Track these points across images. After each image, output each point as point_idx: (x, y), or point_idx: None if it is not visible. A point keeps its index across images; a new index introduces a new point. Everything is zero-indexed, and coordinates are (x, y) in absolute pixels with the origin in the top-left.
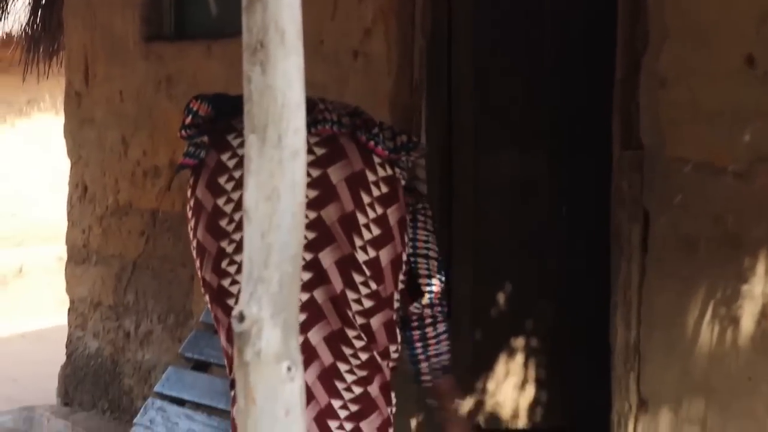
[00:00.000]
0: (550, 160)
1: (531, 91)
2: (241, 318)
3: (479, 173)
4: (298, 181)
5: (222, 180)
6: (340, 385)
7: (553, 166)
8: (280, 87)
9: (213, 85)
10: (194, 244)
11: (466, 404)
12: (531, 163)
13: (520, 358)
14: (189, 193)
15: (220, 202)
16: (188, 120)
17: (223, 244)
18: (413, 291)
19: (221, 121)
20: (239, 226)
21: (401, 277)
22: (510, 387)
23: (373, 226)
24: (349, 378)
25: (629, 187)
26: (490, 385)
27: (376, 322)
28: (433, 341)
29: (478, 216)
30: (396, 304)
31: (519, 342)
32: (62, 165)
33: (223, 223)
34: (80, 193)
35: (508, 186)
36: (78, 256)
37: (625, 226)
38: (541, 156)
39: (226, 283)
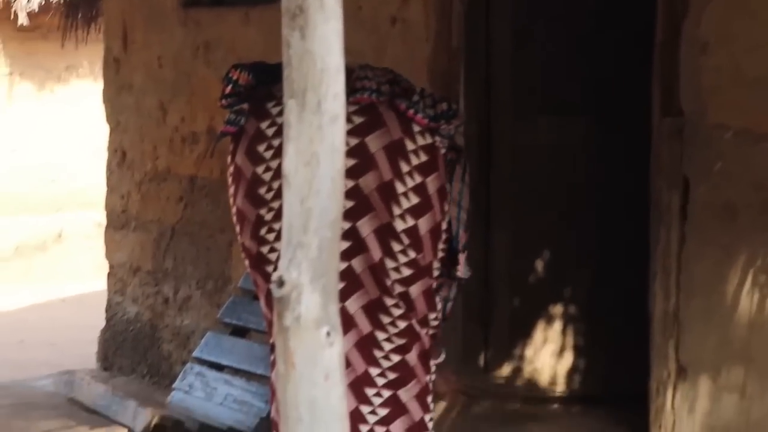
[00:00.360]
0: (588, 127)
1: (570, 56)
2: (281, 283)
3: (517, 139)
4: (337, 146)
5: (261, 148)
6: (377, 353)
7: (592, 132)
8: (319, 52)
9: (250, 52)
10: (234, 210)
11: (505, 370)
12: (569, 130)
13: (558, 325)
14: (229, 160)
15: (259, 170)
16: (228, 89)
17: (262, 211)
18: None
19: (261, 89)
20: (278, 194)
21: (441, 245)
22: (548, 354)
23: (411, 195)
24: (387, 346)
25: (669, 154)
26: (528, 352)
27: (415, 290)
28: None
29: (516, 183)
30: (435, 273)
31: (557, 309)
32: (101, 131)
33: (262, 190)
34: (119, 159)
35: (546, 152)
36: (117, 222)
37: (664, 194)
38: (580, 122)
39: (264, 250)
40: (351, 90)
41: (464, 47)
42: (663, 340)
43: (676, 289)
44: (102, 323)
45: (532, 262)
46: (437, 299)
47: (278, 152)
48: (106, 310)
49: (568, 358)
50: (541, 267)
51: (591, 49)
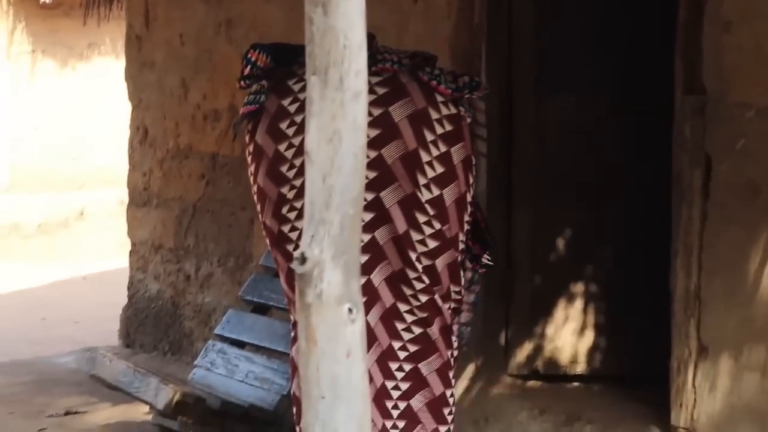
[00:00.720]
0: (610, 105)
1: (592, 34)
2: (303, 260)
3: (539, 118)
4: (359, 123)
5: (283, 125)
6: (399, 326)
7: (614, 110)
8: (342, 28)
9: (272, 29)
10: (255, 189)
11: (526, 348)
12: (591, 108)
13: (579, 303)
14: (247, 138)
15: (282, 147)
16: (247, 70)
17: (284, 189)
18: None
19: (281, 69)
20: (300, 172)
21: (466, 218)
22: (569, 332)
23: (436, 164)
24: (409, 318)
25: (691, 132)
26: (549, 330)
27: (441, 263)
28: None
29: (537, 161)
30: (461, 246)
31: (578, 287)
32: (123, 108)
33: (284, 168)
34: (141, 136)
35: (568, 131)
36: (139, 199)
37: (686, 172)
38: (602, 100)
39: (285, 228)
40: (373, 60)
41: (486, 25)
42: (684, 319)
43: (698, 267)
44: (124, 300)
45: (554, 241)
46: (461, 273)
47: (301, 129)
48: (128, 288)
49: (589, 337)
50: (563, 245)
51: (613, 27)
